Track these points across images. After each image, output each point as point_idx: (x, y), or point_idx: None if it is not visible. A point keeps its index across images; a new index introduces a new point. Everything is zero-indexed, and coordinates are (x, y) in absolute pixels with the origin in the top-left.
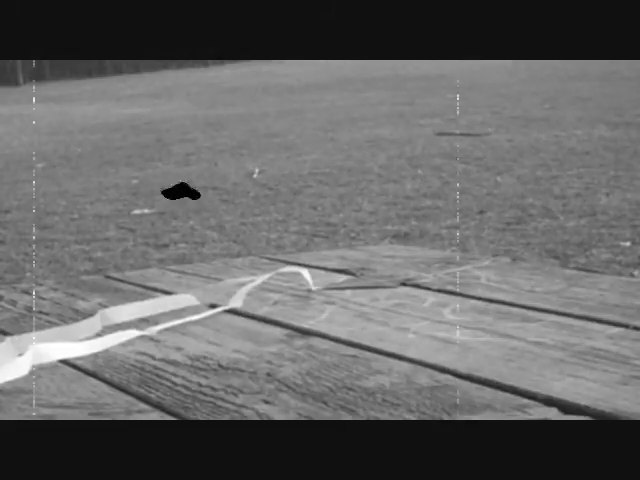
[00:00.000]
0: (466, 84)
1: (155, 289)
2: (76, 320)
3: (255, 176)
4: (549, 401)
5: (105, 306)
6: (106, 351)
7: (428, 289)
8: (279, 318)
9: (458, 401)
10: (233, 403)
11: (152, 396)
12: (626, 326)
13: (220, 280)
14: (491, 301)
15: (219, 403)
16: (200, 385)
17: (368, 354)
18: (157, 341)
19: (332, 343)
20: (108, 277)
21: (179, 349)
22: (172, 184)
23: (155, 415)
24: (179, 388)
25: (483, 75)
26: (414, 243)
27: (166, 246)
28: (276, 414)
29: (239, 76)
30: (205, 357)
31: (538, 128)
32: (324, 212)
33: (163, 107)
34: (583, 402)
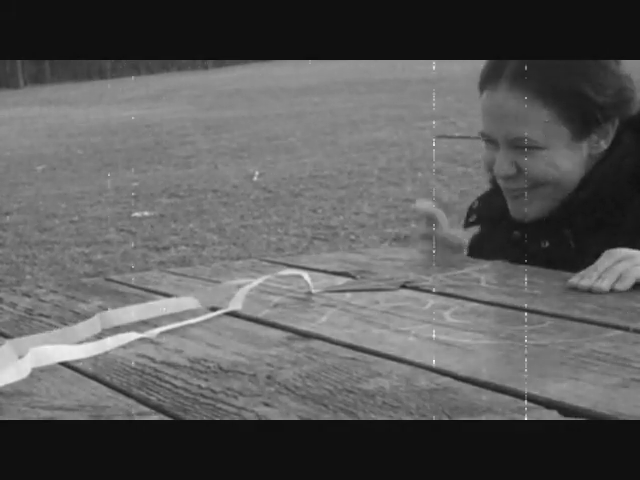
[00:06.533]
0: (466, 86)
1: (155, 292)
2: (76, 322)
3: (255, 179)
4: (549, 404)
5: (105, 309)
6: (106, 353)
7: (428, 292)
8: (279, 321)
9: (458, 404)
10: (233, 406)
11: (152, 399)
12: (626, 329)
13: (220, 283)
14: (491, 304)
15: (219, 405)
16: (200, 388)
17: (368, 357)
18: (157, 344)
19: (332, 345)
20: (108, 280)
21: (179, 352)
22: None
23: (155, 417)
24: (179, 391)
25: None
26: (414, 246)
27: (166, 249)
28: (276, 417)
29: (239, 79)
30: (205, 360)
31: None
32: (324, 215)
33: (163, 109)
34: (583, 405)
